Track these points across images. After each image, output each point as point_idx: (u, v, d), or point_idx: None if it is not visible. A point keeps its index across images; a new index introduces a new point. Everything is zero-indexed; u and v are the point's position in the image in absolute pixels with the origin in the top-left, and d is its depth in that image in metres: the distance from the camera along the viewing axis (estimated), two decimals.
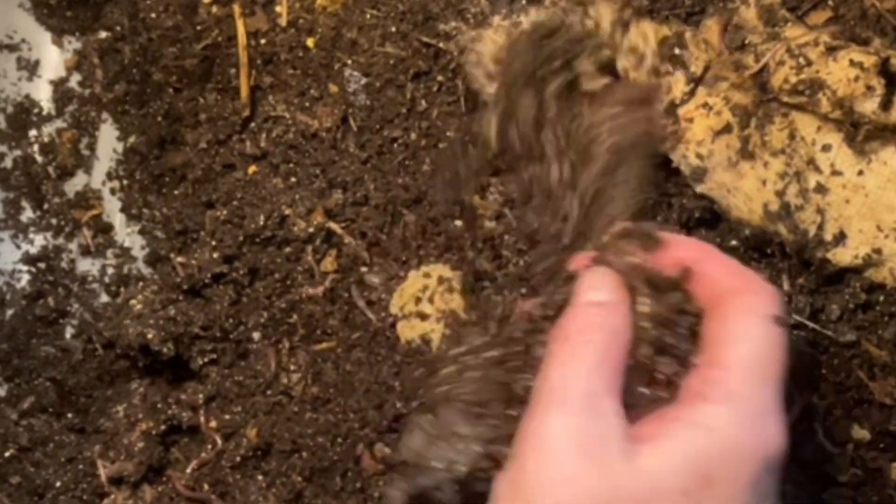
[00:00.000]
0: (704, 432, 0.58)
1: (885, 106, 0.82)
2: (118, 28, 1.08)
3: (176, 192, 1.06)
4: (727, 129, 0.86)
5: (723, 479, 0.57)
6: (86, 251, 1.08)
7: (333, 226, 0.95)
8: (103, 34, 1.10)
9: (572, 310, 0.64)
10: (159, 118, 1.07)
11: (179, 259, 0.97)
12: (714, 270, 0.65)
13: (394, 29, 0.97)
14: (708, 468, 0.57)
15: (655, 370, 0.64)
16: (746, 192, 0.85)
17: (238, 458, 0.92)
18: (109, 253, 1.08)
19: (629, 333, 0.63)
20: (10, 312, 1.05)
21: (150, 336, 0.94)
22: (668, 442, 0.58)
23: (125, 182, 1.09)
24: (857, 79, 0.82)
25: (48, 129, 1.10)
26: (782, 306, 0.63)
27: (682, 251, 0.67)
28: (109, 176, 1.10)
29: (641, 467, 0.57)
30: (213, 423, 0.94)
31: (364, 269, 0.95)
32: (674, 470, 0.57)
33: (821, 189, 0.85)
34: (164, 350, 0.95)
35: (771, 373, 0.60)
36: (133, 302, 0.97)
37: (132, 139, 1.09)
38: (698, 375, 0.61)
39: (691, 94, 0.87)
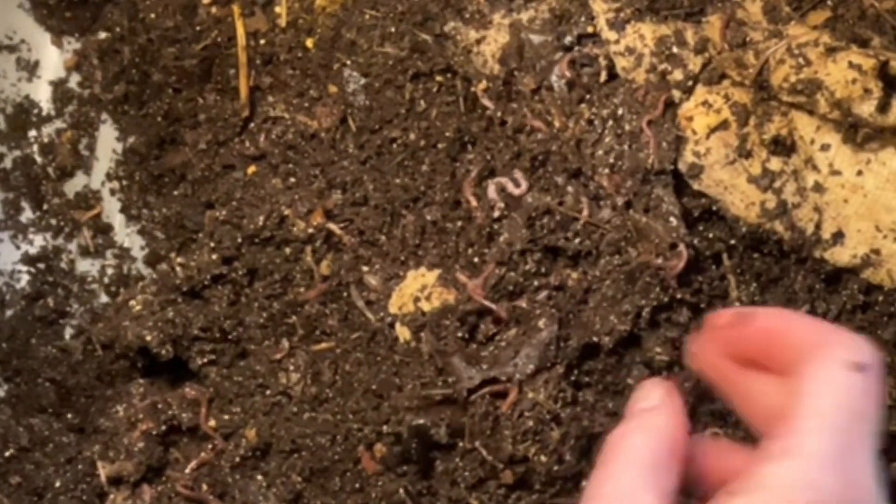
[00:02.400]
0: (759, 497, 0.52)
1: (882, 109, 0.82)
2: (117, 28, 1.08)
3: (175, 192, 1.06)
4: (725, 126, 0.86)
5: None
6: (85, 252, 1.08)
7: (333, 226, 0.95)
8: (103, 35, 1.10)
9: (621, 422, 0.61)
10: (159, 118, 1.07)
11: (179, 260, 0.97)
12: (794, 331, 0.59)
13: (393, 29, 0.97)
14: None
15: None
16: (743, 189, 0.85)
17: (237, 459, 0.92)
18: (109, 253, 1.08)
19: (677, 429, 0.59)
20: (9, 313, 1.05)
21: (148, 338, 0.94)
22: None
23: (125, 182, 1.09)
24: (854, 81, 0.82)
25: (48, 130, 1.10)
26: (869, 353, 0.56)
27: (763, 321, 0.61)
28: (109, 176, 1.10)
29: None
30: (213, 423, 0.94)
31: (363, 269, 0.95)
32: None
33: (819, 188, 0.85)
34: (163, 352, 0.95)
35: (853, 425, 0.53)
36: (132, 303, 0.97)
37: (132, 139, 1.09)
38: (766, 438, 0.55)
39: (690, 92, 0.87)
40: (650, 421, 0.59)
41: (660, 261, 0.84)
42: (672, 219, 0.85)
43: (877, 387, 0.55)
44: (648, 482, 0.56)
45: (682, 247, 0.84)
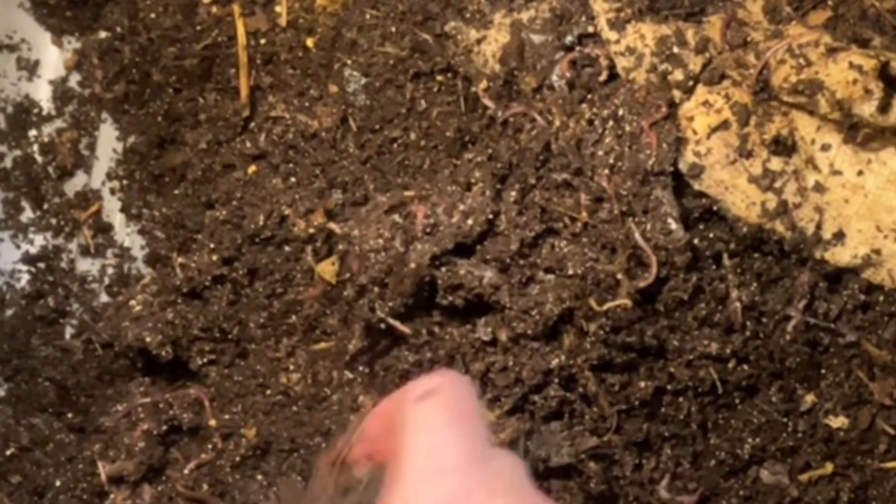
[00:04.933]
0: None
1: (883, 109, 0.82)
2: (118, 28, 1.08)
3: (176, 192, 1.06)
4: (725, 126, 0.86)
5: None
6: (85, 251, 1.08)
7: (333, 226, 0.95)
8: (103, 34, 1.10)
9: None
10: (159, 118, 1.07)
11: (180, 260, 0.97)
12: (387, 408, 0.68)
13: (393, 29, 0.97)
14: None
15: None
16: (744, 189, 0.85)
17: (237, 458, 0.92)
18: (109, 253, 1.08)
19: None
20: (9, 312, 1.05)
21: (148, 339, 0.94)
22: None
23: (125, 182, 1.09)
24: (855, 81, 0.82)
25: (48, 129, 1.10)
26: (434, 381, 0.65)
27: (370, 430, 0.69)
28: (109, 176, 1.10)
29: None
30: (213, 423, 0.94)
31: None
32: None
33: (819, 188, 0.85)
34: (163, 353, 0.95)
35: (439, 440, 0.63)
36: (132, 303, 0.97)
37: (132, 139, 1.09)
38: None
39: (691, 92, 0.87)
40: None
41: (620, 276, 0.85)
42: (670, 220, 0.85)
43: (450, 396, 0.63)
44: None
45: (653, 269, 0.85)
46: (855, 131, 0.84)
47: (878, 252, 0.85)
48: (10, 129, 1.09)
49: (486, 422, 0.66)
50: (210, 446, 0.93)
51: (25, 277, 1.07)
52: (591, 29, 0.90)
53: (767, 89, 0.85)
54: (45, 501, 0.94)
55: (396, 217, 0.90)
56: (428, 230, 0.87)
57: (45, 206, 1.08)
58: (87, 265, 1.08)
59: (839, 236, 0.85)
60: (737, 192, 0.86)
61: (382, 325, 0.89)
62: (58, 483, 0.94)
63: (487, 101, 0.92)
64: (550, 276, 0.86)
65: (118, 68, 1.08)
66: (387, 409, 0.68)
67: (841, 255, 0.86)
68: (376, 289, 0.88)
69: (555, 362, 0.85)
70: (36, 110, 1.10)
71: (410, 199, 0.89)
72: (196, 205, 1.04)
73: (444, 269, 0.87)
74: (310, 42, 1.01)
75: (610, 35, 0.88)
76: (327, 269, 0.94)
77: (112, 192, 1.10)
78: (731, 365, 0.88)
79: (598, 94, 0.89)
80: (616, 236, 0.85)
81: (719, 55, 0.87)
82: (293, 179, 0.98)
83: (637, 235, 0.84)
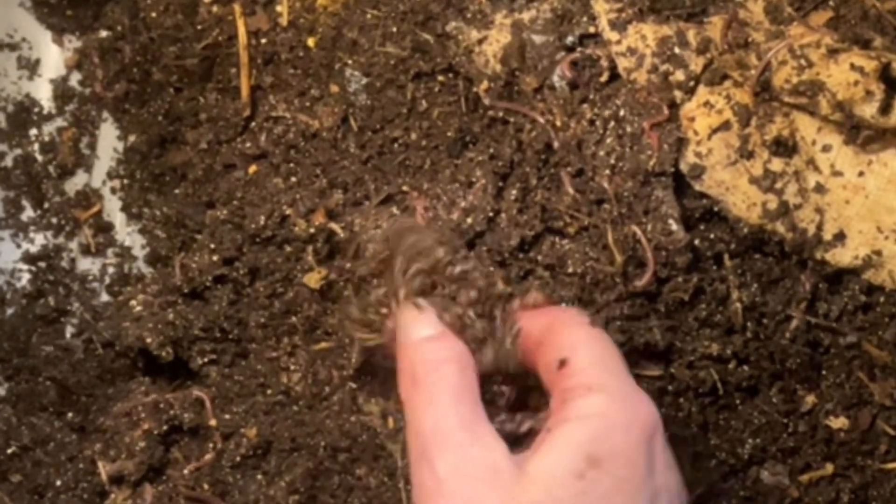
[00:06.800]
0: (580, 422, 0.62)
1: (884, 110, 0.82)
2: (119, 27, 1.08)
3: (176, 191, 1.06)
4: (726, 126, 0.86)
5: (609, 456, 0.61)
6: (86, 250, 1.08)
7: (334, 226, 0.95)
8: (104, 33, 1.10)
9: (405, 351, 0.68)
10: (160, 117, 1.07)
11: (180, 260, 0.97)
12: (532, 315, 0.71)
13: (394, 29, 0.97)
14: (592, 449, 0.61)
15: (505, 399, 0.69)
16: (745, 190, 0.85)
17: (238, 458, 0.92)
18: (110, 252, 1.08)
19: (471, 357, 0.67)
20: (10, 311, 1.05)
21: (148, 340, 0.94)
22: (550, 443, 0.62)
23: (125, 181, 1.09)
24: (856, 83, 0.82)
25: (48, 128, 1.10)
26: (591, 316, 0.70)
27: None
28: (110, 175, 1.10)
29: (532, 473, 0.61)
30: (213, 423, 0.94)
31: None
32: (561, 462, 0.61)
33: (820, 189, 0.85)
34: (163, 354, 0.95)
35: (615, 362, 0.66)
36: (133, 303, 0.97)
37: (132, 138, 1.09)
38: (557, 387, 0.66)
39: (692, 92, 0.87)
40: (446, 351, 0.67)
41: (618, 278, 0.85)
42: (671, 221, 0.85)
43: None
44: (475, 413, 0.64)
45: (649, 269, 0.85)
46: (856, 132, 0.84)
47: (878, 253, 0.86)
48: (10, 128, 1.09)
49: None
50: (210, 446, 0.93)
51: (26, 276, 1.07)
52: (592, 29, 0.90)
53: (768, 90, 0.85)
54: (46, 501, 0.94)
55: (395, 211, 0.90)
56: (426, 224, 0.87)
57: (46, 206, 1.08)
58: (87, 264, 1.08)
59: (840, 237, 0.86)
60: (738, 192, 0.86)
61: None
62: (58, 482, 0.94)
63: (488, 102, 0.92)
64: (549, 274, 0.87)
65: (119, 67, 1.08)
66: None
67: (842, 256, 0.86)
68: (374, 281, 0.88)
69: None
70: (36, 109, 1.10)
71: (410, 194, 0.89)
72: (197, 204, 1.04)
73: None
74: (311, 42, 1.01)
75: (611, 35, 0.88)
76: (313, 278, 0.94)
77: (113, 191, 1.10)
78: (731, 365, 0.88)
79: (599, 94, 0.89)
80: (616, 237, 0.85)
81: (720, 56, 0.87)
82: (294, 179, 0.98)
83: (641, 236, 0.85)
